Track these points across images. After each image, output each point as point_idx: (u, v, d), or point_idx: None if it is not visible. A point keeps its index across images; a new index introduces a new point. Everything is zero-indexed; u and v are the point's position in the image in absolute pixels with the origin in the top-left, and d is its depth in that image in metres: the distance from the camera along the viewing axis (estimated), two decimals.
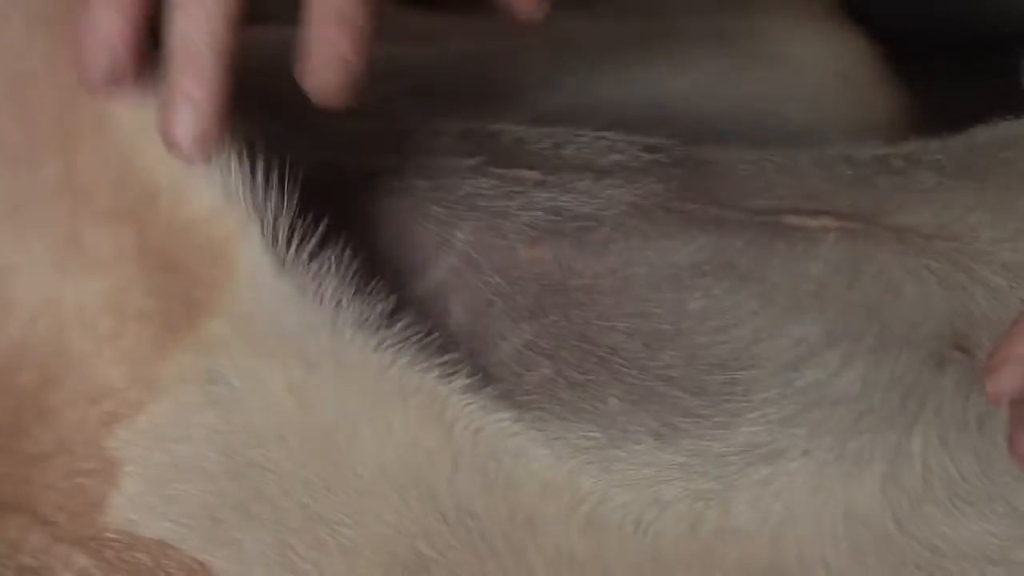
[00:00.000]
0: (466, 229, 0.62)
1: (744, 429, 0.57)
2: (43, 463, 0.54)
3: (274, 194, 0.56)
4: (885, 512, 0.54)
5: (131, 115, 0.54)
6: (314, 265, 0.56)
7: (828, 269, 0.62)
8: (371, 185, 0.63)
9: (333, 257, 0.57)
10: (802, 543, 0.54)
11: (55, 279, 0.54)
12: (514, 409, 0.57)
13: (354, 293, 0.57)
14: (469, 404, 0.56)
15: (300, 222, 0.56)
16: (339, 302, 0.56)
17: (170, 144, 0.52)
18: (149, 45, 0.53)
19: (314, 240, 0.56)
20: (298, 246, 0.56)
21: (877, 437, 0.56)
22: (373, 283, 0.58)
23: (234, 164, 0.55)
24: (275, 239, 0.55)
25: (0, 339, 0.54)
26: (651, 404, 0.58)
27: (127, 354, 0.54)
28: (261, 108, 0.57)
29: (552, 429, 0.57)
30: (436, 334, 0.58)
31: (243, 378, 0.55)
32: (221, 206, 0.55)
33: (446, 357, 0.57)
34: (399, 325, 0.57)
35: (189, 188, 0.55)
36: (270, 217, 0.55)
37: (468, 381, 0.57)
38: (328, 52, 0.53)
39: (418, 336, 0.57)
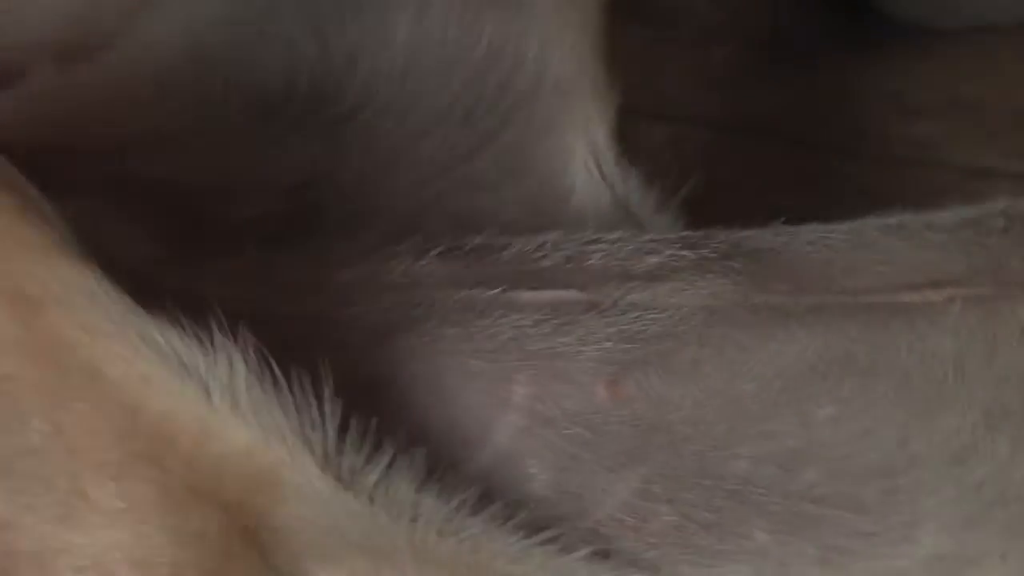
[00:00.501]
0: (523, 381, 0.51)
1: (928, 539, 0.49)
2: None
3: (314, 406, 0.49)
4: None
5: (125, 369, 0.48)
6: (373, 469, 0.49)
7: (962, 342, 0.53)
8: (389, 355, 0.53)
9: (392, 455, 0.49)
10: None
11: (61, 532, 0.47)
12: (643, 572, 0.48)
13: (421, 488, 0.49)
14: None
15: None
16: (412, 503, 0.49)
17: None
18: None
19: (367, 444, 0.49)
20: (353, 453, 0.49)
21: None
22: (438, 471, 0.49)
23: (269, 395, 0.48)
24: (326, 454, 0.49)
25: None
26: (806, 530, 0.47)
27: None
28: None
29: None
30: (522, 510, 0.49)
31: None
32: (260, 438, 0.48)
33: (549, 533, 0.49)
34: (488, 511, 0.49)
35: (217, 426, 0.48)
36: (319, 435, 0.48)
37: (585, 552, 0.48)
38: None
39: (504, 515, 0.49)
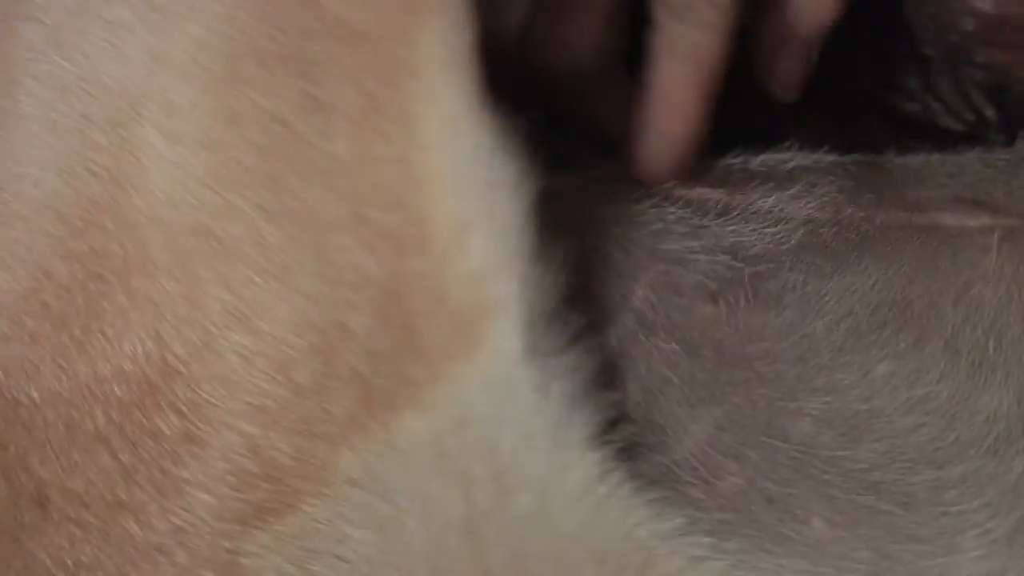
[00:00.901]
0: (645, 282, 0.55)
1: (971, 555, 0.50)
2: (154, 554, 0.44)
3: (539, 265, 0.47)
4: None
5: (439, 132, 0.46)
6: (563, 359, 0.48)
7: (999, 296, 0.57)
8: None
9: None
10: None
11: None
12: (710, 536, 0.50)
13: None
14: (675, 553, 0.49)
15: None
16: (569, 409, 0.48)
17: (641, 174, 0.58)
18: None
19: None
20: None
21: None
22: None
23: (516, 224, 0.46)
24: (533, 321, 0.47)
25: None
26: (862, 525, 0.52)
27: (307, 426, 0.44)
28: None
29: (758, 570, 0.50)
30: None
31: (417, 500, 0.46)
32: (491, 271, 0.46)
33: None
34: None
35: (469, 242, 0.46)
36: (533, 294, 0.47)
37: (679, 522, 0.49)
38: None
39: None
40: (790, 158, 0.62)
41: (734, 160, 0.62)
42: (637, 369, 0.54)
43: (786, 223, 0.58)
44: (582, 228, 0.56)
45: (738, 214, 0.59)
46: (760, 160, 0.62)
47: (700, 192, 0.59)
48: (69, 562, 0.43)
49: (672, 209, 0.58)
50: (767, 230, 0.58)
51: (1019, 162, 0.62)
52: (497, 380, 0.47)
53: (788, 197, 0.59)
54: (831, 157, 0.63)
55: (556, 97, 0.64)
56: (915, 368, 0.55)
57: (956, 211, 0.59)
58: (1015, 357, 0.55)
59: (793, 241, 0.58)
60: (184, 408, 0.43)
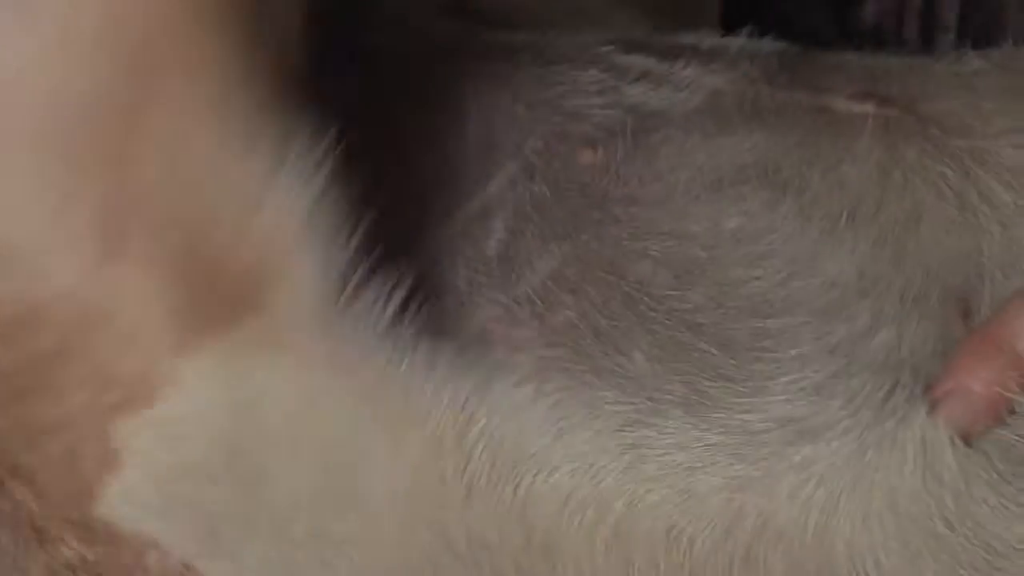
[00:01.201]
0: (541, 133, 0.58)
1: (778, 399, 0.52)
2: (46, 433, 0.50)
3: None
4: (930, 507, 0.51)
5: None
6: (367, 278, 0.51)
7: (863, 176, 0.59)
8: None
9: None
10: (851, 544, 0.49)
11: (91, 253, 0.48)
12: (536, 378, 0.52)
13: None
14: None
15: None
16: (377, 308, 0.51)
17: None
18: None
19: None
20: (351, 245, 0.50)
21: (907, 423, 0.51)
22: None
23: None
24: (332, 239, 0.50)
25: (27, 295, 0.48)
26: (679, 361, 0.54)
27: (150, 343, 0.49)
28: None
29: (577, 405, 0.51)
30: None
31: (266, 382, 0.50)
32: (284, 216, 0.49)
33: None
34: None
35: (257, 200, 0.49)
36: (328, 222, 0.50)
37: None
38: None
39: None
40: (734, 41, 0.65)
41: (684, 38, 0.64)
42: (506, 211, 0.57)
43: (693, 90, 0.61)
44: (484, 88, 0.59)
45: (653, 79, 0.61)
46: (709, 42, 0.65)
47: (630, 59, 0.62)
48: None
49: (593, 71, 0.61)
50: (674, 95, 0.60)
51: (925, 64, 0.62)
52: (307, 288, 0.50)
53: (707, 70, 0.62)
54: (773, 44, 0.65)
55: None
56: (764, 226, 0.57)
57: (849, 98, 0.60)
58: (864, 235, 0.56)
59: (691, 105, 0.60)
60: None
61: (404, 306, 0.50)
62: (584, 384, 0.52)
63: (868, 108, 0.60)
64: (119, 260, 0.49)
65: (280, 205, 0.49)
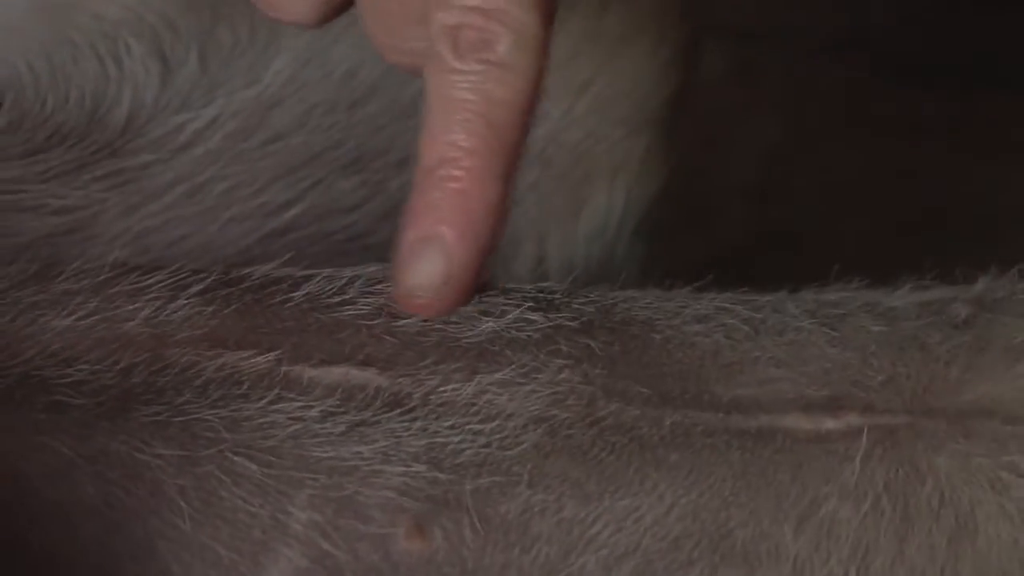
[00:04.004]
0: (303, 502, 0.39)
1: None
2: None
3: None
4: None
5: None
6: None
7: (864, 512, 0.41)
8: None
9: None
10: None
11: None
12: None
13: None
14: None
15: None
16: None
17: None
18: None
19: None
20: None
21: None
22: None
23: None
24: None
25: None
26: None
27: None
28: None
29: None
30: None
31: None
32: None
33: None
34: None
35: None
36: None
37: None
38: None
39: None
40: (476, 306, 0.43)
41: (341, 303, 0.42)
42: None
43: (507, 420, 0.41)
44: None
45: (419, 407, 0.42)
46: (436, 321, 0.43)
47: (341, 373, 0.42)
48: None
49: (304, 403, 0.41)
50: (476, 428, 0.41)
51: (910, 333, 0.44)
52: None
53: (497, 383, 0.41)
54: (545, 320, 0.43)
55: None
56: None
57: (806, 413, 0.42)
58: None
59: (526, 445, 0.41)
60: None
61: None
62: None
63: (852, 420, 0.42)
64: None
65: None
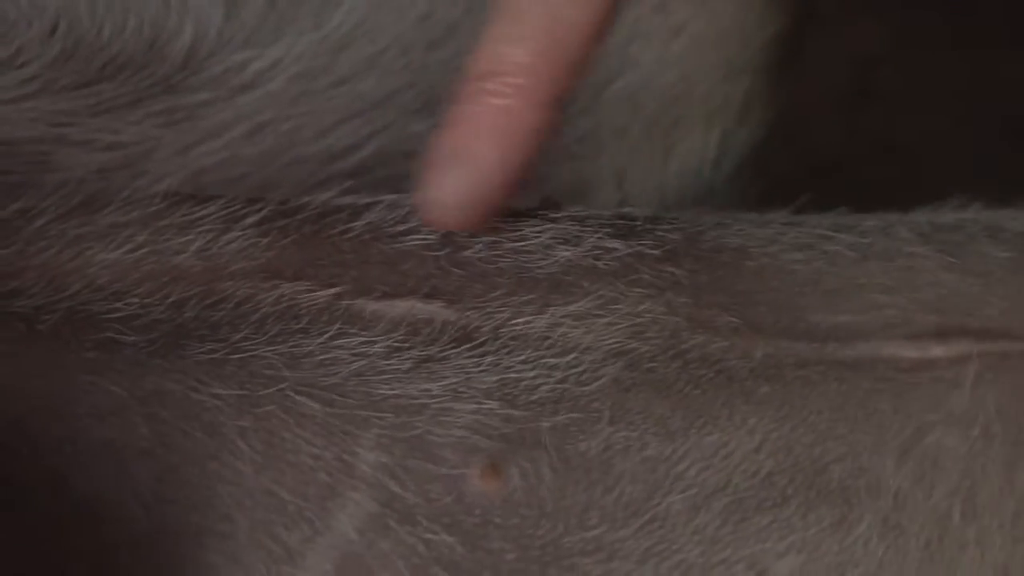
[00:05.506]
0: (369, 442, 0.37)
1: None
2: None
3: None
4: None
5: None
6: None
7: (971, 441, 0.38)
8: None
9: None
10: None
11: None
12: None
13: None
14: None
15: None
16: None
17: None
18: None
19: None
20: None
21: None
22: None
23: None
24: None
25: None
26: None
27: None
28: None
29: None
30: None
31: None
32: None
33: None
34: None
35: None
36: None
37: None
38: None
39: None
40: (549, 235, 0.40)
41: (404, 232, 0.39)
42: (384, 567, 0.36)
43: (584, 354, 0.39)
44: None
45: (489, 341, 0.39)
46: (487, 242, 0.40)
47: (405, 307, 0.40)
48: None
49: (366, 337, 0.39)
50: (552, 363, 0.38)
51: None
52: None
53: (572, 316, 0.39)
54: (626, 248, 0.40)
55: None
56: (836, 561, 0.36)
57: (911, 340, 0.39)
58: (994, 523, 0.36)
59: (606, 380, 0.38)
60: None
61: None
62: None
63: (962, 347, 0.39)
64: None
65: None
